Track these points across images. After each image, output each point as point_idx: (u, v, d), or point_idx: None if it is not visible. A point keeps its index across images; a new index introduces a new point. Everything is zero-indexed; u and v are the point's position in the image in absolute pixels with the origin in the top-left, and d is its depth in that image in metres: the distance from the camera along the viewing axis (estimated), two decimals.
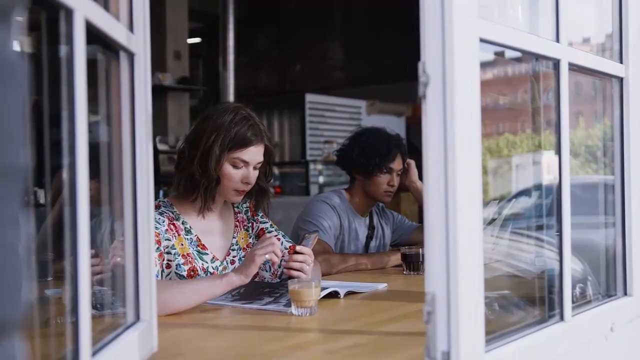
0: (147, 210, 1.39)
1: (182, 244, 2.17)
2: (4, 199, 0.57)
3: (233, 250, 2.32)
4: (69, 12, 0.99)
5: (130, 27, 1.35)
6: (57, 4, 0.97)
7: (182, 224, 2.21)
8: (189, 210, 2.24)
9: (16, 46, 0.59)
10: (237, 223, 2.37)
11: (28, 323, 0.61)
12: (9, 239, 0.57)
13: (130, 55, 1.34)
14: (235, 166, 2.19)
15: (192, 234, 2.21)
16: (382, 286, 2.34)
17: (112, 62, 1.33)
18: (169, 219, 2.17)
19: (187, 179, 2.19)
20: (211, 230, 2.28)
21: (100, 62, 1.32)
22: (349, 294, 2.17)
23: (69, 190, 1.01)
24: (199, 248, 2.21)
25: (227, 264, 2.28)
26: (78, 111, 1.01)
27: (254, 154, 2.21)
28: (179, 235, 2.18)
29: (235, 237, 2.34)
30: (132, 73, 1.36)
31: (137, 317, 1.37)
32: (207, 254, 2.22)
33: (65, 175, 1.02)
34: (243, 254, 2.33)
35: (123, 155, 1.35)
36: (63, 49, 1.02)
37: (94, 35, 1.12)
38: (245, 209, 2.41)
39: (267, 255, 1.96)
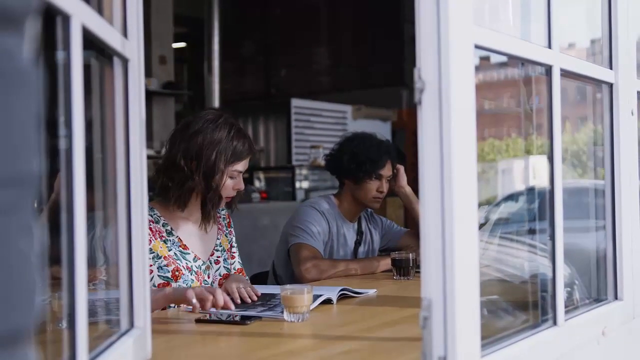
0: (141, 217, 1.38)
1: (161, 247, 2.23)
2: (18, 207, 0.56)
3: (217, 250, 2.40)
4: (66, 18, 0.99)
5: (125, 33, 1.34)
6: (54, 9, 0.96)
7: (163, 226, 2.27)
8: (174, 213, 2.31)
9: (28, 53, 0.58)
10: (220, 226, 2.46)
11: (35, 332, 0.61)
12: (24, 248, 0.56)
13: (125, 61, 1.34)
14: (231, 177, 2.29)
15: (173, 235, 2.28)
16: (372, 292, 2.35)
17: (105, 68, 1.33)
18: None
19: (188, 193, 2.25)
20: (194, 232, 2.34)
21: (94, 68, 1.31)
22: (342, 297, 2.17)
23: (66, 196, 1.00)
24: (180, 248, 2.27)
25: (210, 263, 2.36)
26: (75, 117, 1.00)
27: (247, 163, 2.34)
28: (156, 239, 2.23)
29: (219, 239, 2.42)
30: (126, 79, 1.35)
31: (131, 324, 1.36)
32: (189, 253, 2.29)
33: (62, 181, 1.01)
34: (226, 255, 2.43)
35: (117, 161, 1.34)
36: (59, 54, 1.01)
37: (88, 41, 1.11)
38: (223, 216, 2.50)
39: (194, 300, 1.90)
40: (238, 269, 2.45)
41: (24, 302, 0.56)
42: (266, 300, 2.13)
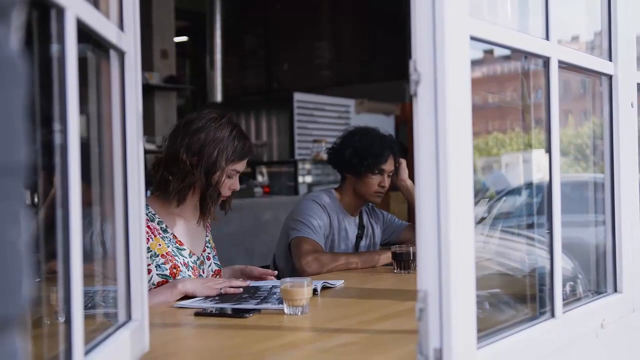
0: (139, 211, 1.38)
1: (159, 245, 2.26)
2: (6, 196, 0.57)
3: (208, 247, 2.46)
4: (60, 11, 0.99)
5: (121, 26, 1.34)
6: (48, 2, 0.96)
7: (158, 224, 2.30)
8: (167, 210, 2.34)
9: (15, 44, 0.59)
10: (208, 225, 2.50)
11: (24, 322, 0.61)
12: (11, 236, 0.57)
13: (121, 54, 1.34)
14: (229, 176, 2.33)
15: (168, 232, 2.31)
16: (339, 283, 2.37)
17: (102, 61, 1.33)
18: None
19: (187, 188, 2.29)
20: (187, 229, 2.38)
21: (90, 61, 1.31)
22: (324, 288, 2.23)
23: (61, 191, 1.00)
24: (177, 245, 2.31)
25: (204, 258, 2.41)
26: (70, 111, 1.01)
27: (245, 164, 2.38)
28: (155, 236, 2.26)
29: (207, 236, 2.48)
30: (122, 72, 1.35)
31: (129, 317, 1.36)
32: (185, 249, 2.33)
33: (57, 176, 1.01)
34: (214, 252, 2.48)
35: (114, 155, 1.34)
36: (54, 48, 1.02)
37: (84, 34, 1.11)
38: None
39: (222, 290, 2.13)
40: (215, 270, 2.47)
41: (11, 290, 0.57)
42: (253, 293, 2.13)
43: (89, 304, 1.36)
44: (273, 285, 2.22)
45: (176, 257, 2.27)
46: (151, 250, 2.22)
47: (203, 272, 2.37)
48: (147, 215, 2.27)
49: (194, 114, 2.37)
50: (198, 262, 2.36)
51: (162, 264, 2.23)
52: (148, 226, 2.24)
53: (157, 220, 2.30)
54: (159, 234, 2.27)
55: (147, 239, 2.21)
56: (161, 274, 2.22)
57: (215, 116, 2.33)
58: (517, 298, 1.73)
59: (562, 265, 1.58)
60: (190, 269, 2.30)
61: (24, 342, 0.60)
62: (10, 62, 0.57)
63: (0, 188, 0.56)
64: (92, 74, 1.33)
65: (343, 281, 2.41)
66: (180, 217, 2.36)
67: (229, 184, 2.34)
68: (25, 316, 0.61)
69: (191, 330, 1.78)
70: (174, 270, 2.24)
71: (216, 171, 2.27)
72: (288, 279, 1.95)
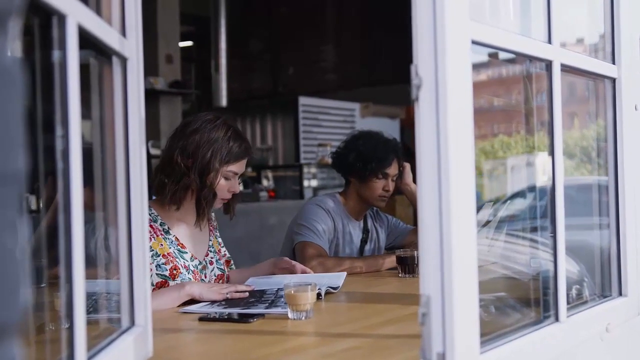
0: (142, 216, 1.38)
1: (161, 245, 2.27)
2: (3, 203, 0.57)
3: (211, 251, 2.45)
4: (62, 18, 0.99)
5: (123, 32, 1.35)
6: (50, 9, 0.96)
7: (160, 225, 2.31)
8: (169, 213, 2.33)
9: (13, 52, 0.59)
10: (211, 228, 2.50)
11: (24, 329, 0.61)
12: (8, 244, 0.57)
13: (123, 60, 1.34)
14: (226, 178, 2.32)
15: (171, 234, 2.31)
16: (342, 275, 2.41)
17: (104, 67, 1.33)
18: None
19: (183, 190, 2.28)
20: (190, 233, 2.38)
21: (93, 67, 1.32)
22: (328, 293, 2.22)
23: (63, 197, 1.00)
24: (179, 247, 2.31)
25: (206, 263, 2.41)
26: (71, 116, 1.01)
27: (243, 165, 2.37)
28: (157, 236, 2.27)
29: (211, 240, 2.47)
30: (125, 78, 1.35)
31: (132, 322, 1.37)
32: (187, 252, 2.33)
33: (59, 181, 1.01)
34: (218, 257, 2.47)
35: (117, 160, 1.35)
36: (55, 54, 1.02)
37: (86, 40, 1.12)
38: (213, 219, 2.56)
39: (228, 295, 2.13)
40: (219, 274, 2.46)
41: (9, 297, 0.57)
42: (259, 297, 2.13)
43: (91, 308, 1.36)
44: (279, 289, 2.21)
45: (177, 259, 2.27)
46: (153, 250, 2.22)
47: (205, 277, 2.37)
48: (150, 216, 2.27)
49: (191, 116, 2.38)
50: (200, 267, 2.36)
51: (163, 264, 2.23)
52: (151, 226, 2.25)
53: (159, 221, 2.30)
54: (161, 234, 2.28)
55: (149, 238, 2.21)
56: (161, 274, 2.23)
57: (211, 118, 2.33)
58: (521, 302, 1.72)
59: (568, 268, 1.58)
60: (190, 272, 2.29)
61: (22, 349, 0.60)
62: (7, 70, 0.57)
63: None
64: (94, 80, 1.33)
65: (345, 273, 2.42)
66: (182, 221, 2.36)
67: (228, 186, 2.32)
68: (23, 323, 0.61)
69: (195, 335, 1.78)
70: (174, 272, 2.24)
71: (210, 172, 2.27)
72: (292, 284, 1.94)
